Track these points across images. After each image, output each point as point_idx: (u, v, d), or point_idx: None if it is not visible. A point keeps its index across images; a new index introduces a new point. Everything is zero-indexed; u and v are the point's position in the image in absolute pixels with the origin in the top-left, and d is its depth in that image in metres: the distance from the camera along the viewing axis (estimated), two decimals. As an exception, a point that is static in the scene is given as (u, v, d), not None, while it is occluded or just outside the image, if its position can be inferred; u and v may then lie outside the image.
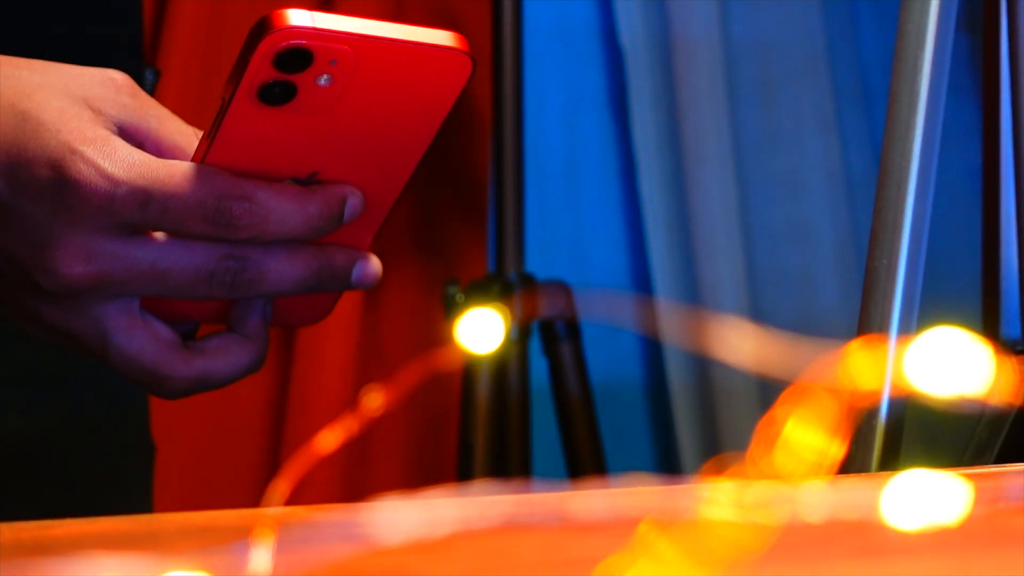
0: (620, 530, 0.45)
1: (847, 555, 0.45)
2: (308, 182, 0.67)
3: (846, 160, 1.94)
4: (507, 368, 1.69)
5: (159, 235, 0.66)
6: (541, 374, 1.73)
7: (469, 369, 1.69)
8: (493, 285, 1.72)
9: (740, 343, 0.63)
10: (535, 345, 1.73)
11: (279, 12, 0.63)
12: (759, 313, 1.91)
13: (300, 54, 0.64)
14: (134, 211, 0.65)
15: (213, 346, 0.70)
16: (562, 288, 1.74)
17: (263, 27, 0.63)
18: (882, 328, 0.90)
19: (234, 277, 0.67)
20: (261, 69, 0.64)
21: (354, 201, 0.68)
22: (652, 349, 1.95)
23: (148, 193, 0.65)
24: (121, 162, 0.65)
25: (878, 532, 0.47)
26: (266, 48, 0.63)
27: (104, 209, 0.65)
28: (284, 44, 0.63)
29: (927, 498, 0.48)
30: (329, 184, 0.67)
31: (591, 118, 1.97)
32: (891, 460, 0.89)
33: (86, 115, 0.66)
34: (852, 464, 0.88)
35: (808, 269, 1.93)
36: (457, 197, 1.84)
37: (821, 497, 0.50)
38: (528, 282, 1.74)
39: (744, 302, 1.90)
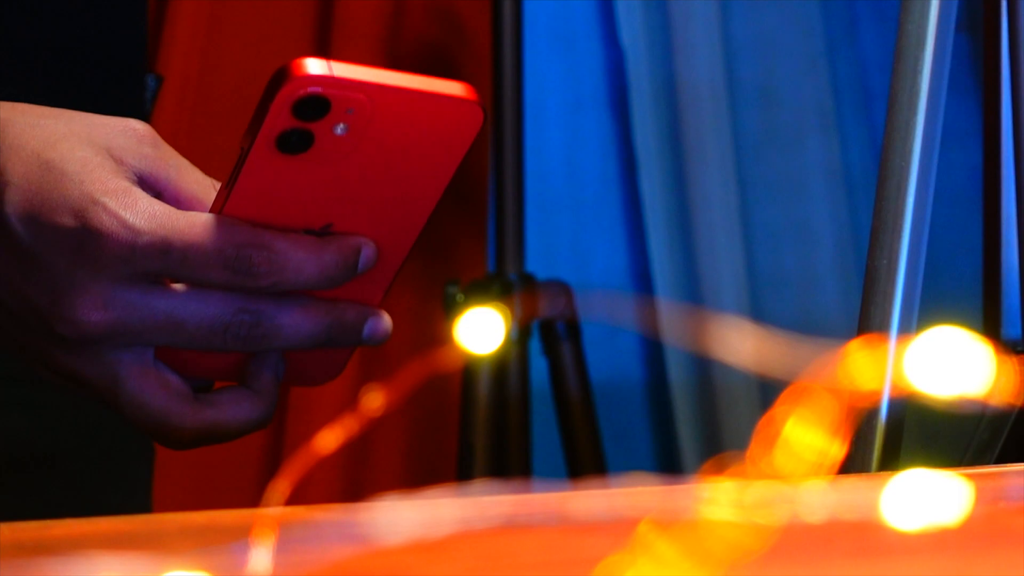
0: (620, 530, 0.45)
1: (847, 555, 0.45)
2: (322, 233, 0.69)
3: (846, 160, 1.94)
4: (507, 368, 1.69)
5: (177, 286, 0.68)
6: (541, 374, 1.73)
7: (469, 369, 1.69)
8: (493, 285, 1.72)
9: (740, 343, 0.63)
10: (535, 345, 1.73)
11: (297, 61, 0.65)
12: (759, 313, 1.91)
13: (318, 102, 0.65)
14: (154, 261, 0.66)
15: (223, 399, 0.71)
16: (562, 288, 1.74)
17: (282, 76, 0.65)
18: (882, 328, 0.90)
19: (248, 330, 0.68)
20: (280, 117, 0.65)
21: (368, 252, 0.69)
22: (652, 349, 1.95)
23: (168, 243, 0.66)
24: (142, 213, 0.66)
25: (878, 532, 0.47)
26: (285, 96, 0.64)
27: (124, 259, 0.66)
28: (302, 92, 0.65)
29: (927, 498, 0.48)
30: (344, 235, 0.69)
31: (591, 118, 1.97)
32: (891, 460, 0.89)
33: (108, 165, 0.67)
34: (852, 464, 0.88)
35: (808, 269, 1.93)
36: (457, 197, 1.84)
37: (821, 497, 0.50)
38: (528, 282, 1.74)
39: (744, 302, 1.90)
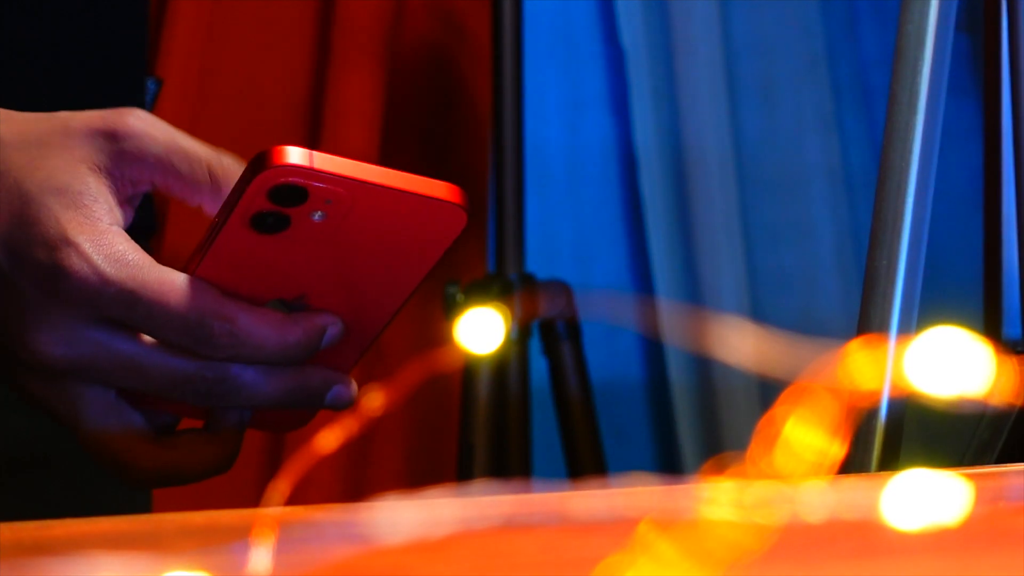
0: (620, 530, 0.45)
1: (847, 555, 0.45)
2: (295, 304, 0.68)
3: (846, 160, 1.94)
4: (507, 368, 1.69)
5: (144, 336, 0.68)
6: (541, 374, 1.73)
7: (469, 369, 1.69)
8: (493, 285, 1.72)
9: (740, 343, 0.63)
10: (535, 345, 1.73)
11: (279, 149, 0.64)
12: (759, 313, 1.91)
13: (295, 191, 0.64)
14: (120, 310, 0.66)
15: (182, 443, 0.71)
16: (562, 288, 1.74)
17: (261, 161, 0.64)
18: (882, 328, 0.90)
19: (209, 388, 0.68)
20: (255, 200, 0.65)
21: (333, 331, 0.69)
22: (652, 349, 1.95)
23: (136, 296, 0.66)
24: (115, 260, 0.66)
25: (878, 532, 0.47)
26: (262, 182, 0.64)
27: (91, 302, 0.66)
28: (280, 180, 0.64)
29: (927, 498, 0.48)
30: (311, 312, 0.68)
31: (592, 118, 1.97)
32: (891, 460, 0.89)
33: (88, 196, 0.67)
34: (852, 464, 0.88)
35: (808, 269, 1.93)
36: (457, 197, 1.83)
37: (821, 497, 0.50)
38: (528, 282, 1.74)
39: (744, 302, 1.90)
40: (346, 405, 0.71)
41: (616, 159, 1.97)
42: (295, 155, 0.64)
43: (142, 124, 0.70)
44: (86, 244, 0.66)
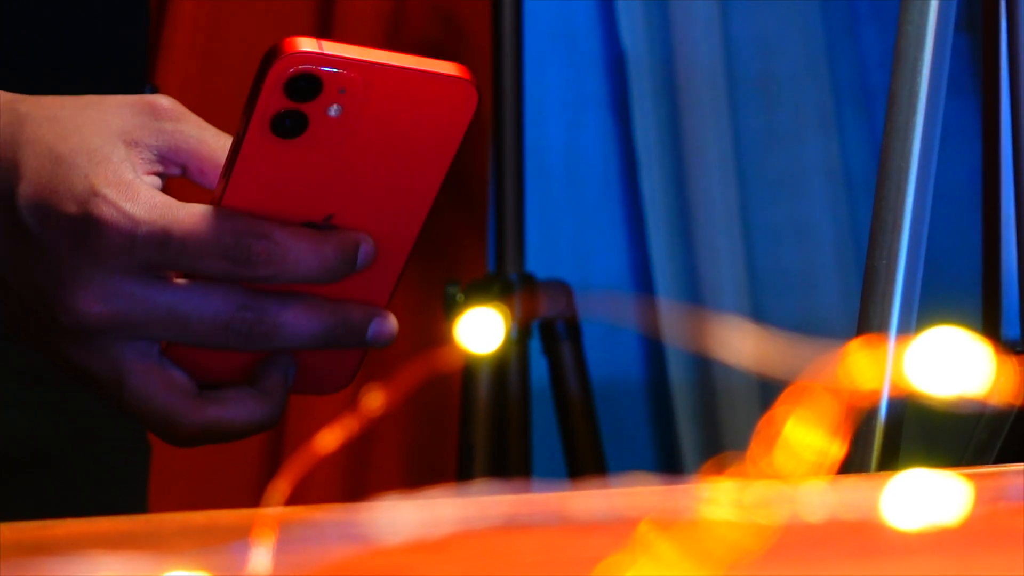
0: (620, 530, 0.45)
1: (847, 555, 0.45)
2: (323, 226, 0.68)
3: (846, 160, 1.94)
4: (507, 368, 1.69)
5: (180, 280, 0.68)
6: (541, 374, 1.73)
7: (469, 369, 1.69)
8: (493, 285, 1.72)
9: (740, 343, 0.63)
10: (535, 345, 1.73)
11: (288, 40, 0.65)
12: (759, 313, 1.91)
13: (310, 80, 0.65)
14: (154, 251, 0.66)
15: (228, 397, 0.70)
16: (562, 288, 1.74)
17: (272, 54, 0.65)
18: (882, 328, 0.90)
19: (250, 327, 0.68)
20: (272, 98, 0.65)
21: (367, 247, 0.68)
22: (652, 349, 1.95)
23: (168, 233, 0.66)
24: (142, 203, 0.66)
25: (878, 532, 0.47)
26: (276, 74, 0.65)
27: (125, 248, 0.66)
28: (293, 70, 0.65)
29: (927, 498, 0.48)
30: (344, 229, 0.68)
31: (592, 118, 1.97)
32: (891, 460, 0.89)
33: (117, 155, 0.68)
34: (852, 464, 0.88)
35: (808, 269, 1.93)
36: (457, 197, 1.84)
37: (821, 497, 0.50)
38: (528, 282, 1.74)
39: (744, 302, 1.90)
40: (387, 340, 0.71)
41: (616, 159, 1.97)
42: (304, 43, 0.65)
43: (180, 109, 0.70)
44: (113, 193, 0.66)
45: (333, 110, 0.66)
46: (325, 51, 0.65)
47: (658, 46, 1.92)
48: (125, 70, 0.90)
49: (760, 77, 1.94)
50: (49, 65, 0.85)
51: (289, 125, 0.66)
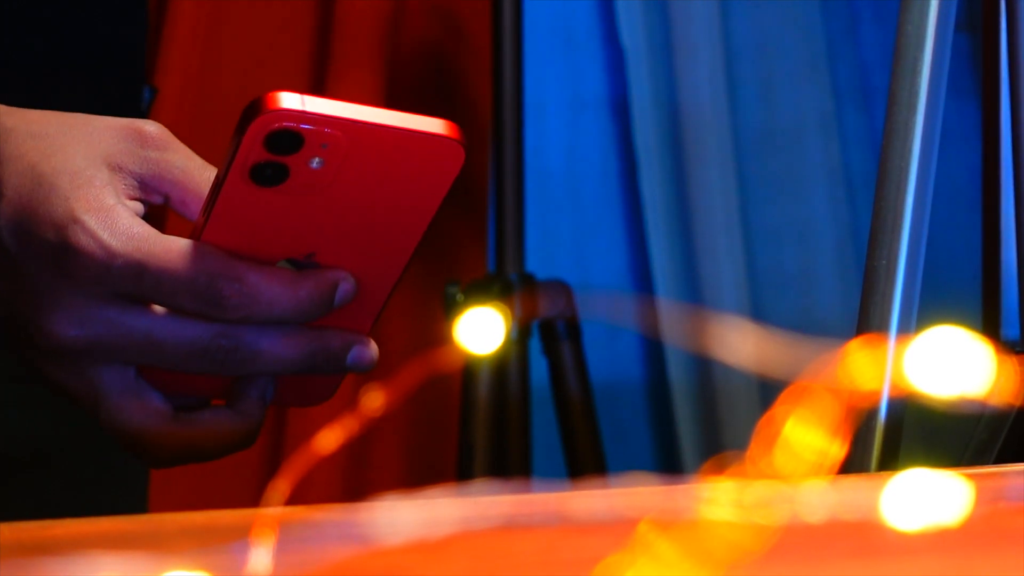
0: (620, 530, 0.45)
1: (847, 555, 0.45)
2: (305, 263, 0.68)
3: (846, 160, 1.94)
4: (507, 368, 1.69)
5: (157, 307, 0.68)
6: (541, 374, 1.73)
7: (469, 369, 1.69)
8: (493, 285, 1.72)
9: (740, 343, 0.63)
10: (535, 345, 1.73)
11: (271, 94, 0.64)
12: (759, 313, 1.91)
13: (291, 136, 0.64)
14: (129, 282, 0.66)
15: (204, 419, 0.71)
16: (562, 288, 1.74)
17: (254, 108, 0.64)
18: (882, 328, 0.90)
19: (226, 355, 0.68)
20: (252, 150, 0.64)
21: (346, 287, 0.68)
22: (652, 349, 1.95)
23: (143, 266, 0.66)
24: (120, 234, 0.66)
25: (878, 532, 0.47)
26: (256, 129, 0.64)
27: (100, 278, 0.66)
28: (274, 126, 0.64)
29: (927, 498, 0.48)
30: (323, 269, 0.68)
31: (592, 118, 1.97)
32: (891, 460, 0.89)
33: (99, 179, 0.67)
34: (852, 464, 0.88)
35: (808, 269, 1.93)
36: (457, 197, 1.83)
37: (821, 497, 0.50)
38: (528, 282, 1.74)
39: (744, 302, 1.90)
40: (368, 366, 0.71)
41: (616, 159, 1.97)
42: (287, 99, 0.64)
43: (167, 137, 0.70)
44: (91, 221, 0.66)
45: (315, 163, 0.65)
46: (307, 108, 0.64)
47: (658, 47, 1.92)
48: (125, 70, 0.90)
49: (760, 77, 1.94)
50: (49, 65, 0.85)
51: (269, 175, 0.65)
